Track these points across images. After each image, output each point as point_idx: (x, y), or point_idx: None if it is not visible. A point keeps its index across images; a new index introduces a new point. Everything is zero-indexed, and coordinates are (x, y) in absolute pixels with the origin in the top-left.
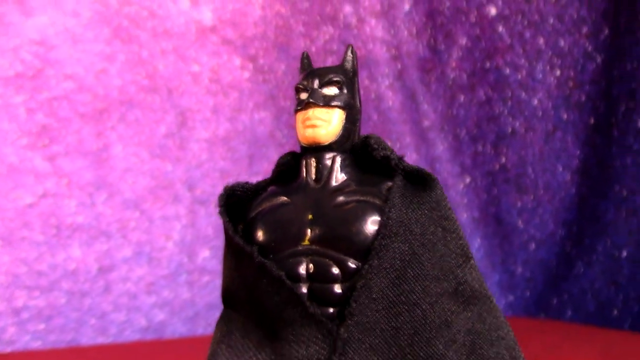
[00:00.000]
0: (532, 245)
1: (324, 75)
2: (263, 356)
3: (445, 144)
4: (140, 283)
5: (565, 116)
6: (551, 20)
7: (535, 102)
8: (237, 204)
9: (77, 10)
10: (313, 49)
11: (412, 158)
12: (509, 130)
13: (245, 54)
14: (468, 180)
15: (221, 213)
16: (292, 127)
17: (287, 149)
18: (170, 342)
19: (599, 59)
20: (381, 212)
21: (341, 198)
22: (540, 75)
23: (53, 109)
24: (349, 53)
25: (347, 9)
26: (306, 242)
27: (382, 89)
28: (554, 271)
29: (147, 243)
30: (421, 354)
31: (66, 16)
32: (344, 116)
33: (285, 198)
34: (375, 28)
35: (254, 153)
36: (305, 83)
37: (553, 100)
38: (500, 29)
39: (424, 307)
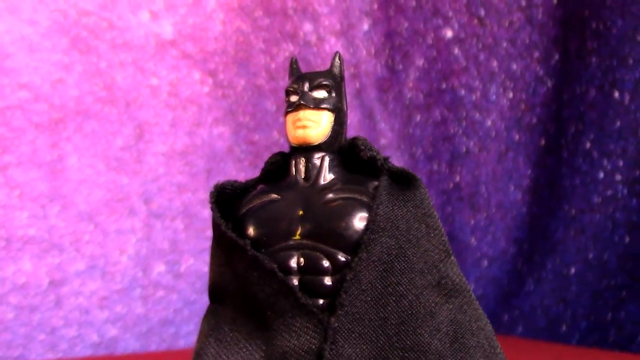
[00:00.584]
0: (485, 263)
1: (314, 79)
2: (254, 347)
3: (402, 162)
4: (92, 297)
5: (517, 137)
6: (504, 45)
7: (489, 123)
8: (225, 202)
9: (35, 18)
10: (273, 65)
11: None
12: (464, 150)
13: (205, 69)
14: None
15: (213, 209)
16: (251, 143)
17: (246, 164)
18: (122, 358)
19: (549, 83)
20: (369, 209)
21: (330, 195)
22: (494, 97)
23: (6, 119)
24: (337, 59)
25: (307, 27)
26: (297, 237)
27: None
28: (505, 288)
29: (100, 257)
30: (408, 342)
31: (23, 24)
32: (332, 118)
33: (275, 195)
34: (334, 47)
35: (212, 167)
36: (295, 86)
37: (506, 122)
38: (456, 51)
39: (410, 298)
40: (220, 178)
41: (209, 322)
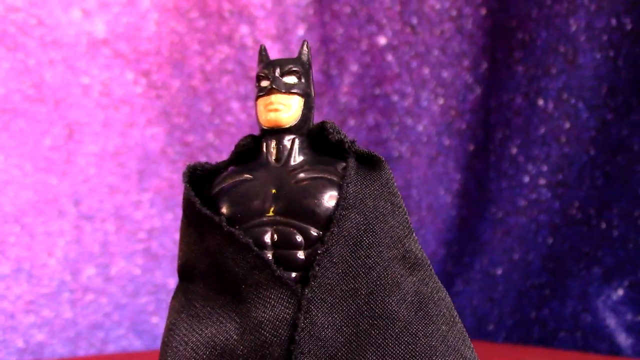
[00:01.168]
0: None
1: (284, 65)
2: (227, 319)
3: None
4: (18, 302)
5: (447, 142)
6: (435, 53)
7: (420, 128)
8: (196, 183)
9: None
10: (208, 67)
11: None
12: (396, 154)
13: (138, 69)
14: None
15: (187, 188)
16: (186, 145)
17: (180, 166)
18: None
19: (478, 90)
20: (339, 188)
21: (302, 175)
22: (425, 103)
23: None
24: (305, 47)
25: (244, 30)
26: (271, 214)
27: None
28: None
29: (27, 259)
30: (377, 310)
31: None
32: (302, 102)
33: (248, 175)
34: (270, 50)
35: (145, 169)
36: (266, 71)
37: (437, 127)
38: (389, 58)
39: (378, 270)
40: (153, 180)
41: (180, 299)
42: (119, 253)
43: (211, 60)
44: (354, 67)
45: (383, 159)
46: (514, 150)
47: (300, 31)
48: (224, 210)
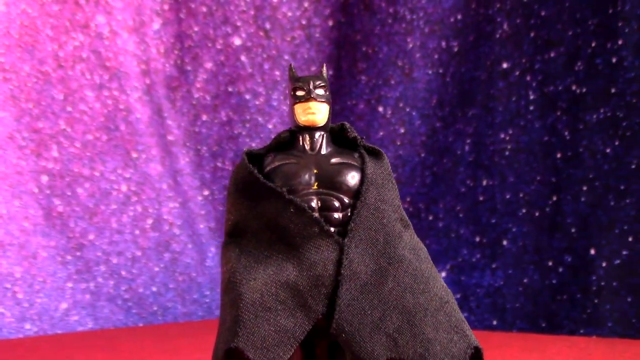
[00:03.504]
0: None
1: (315, 81)
2: (285, 261)
3: (187, 159)
4: None
5: None
6: (286, 57)
7: (271, 126)
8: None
9: None
10: (62, 54)
11: (157, 170)
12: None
13: None
14: (206, 193)
15: (249, 167)
16: (35, 131)
17: (28, 152)
18: None
19: None
20: (359, 170)
21: (333, 160)
22: (276, 103)
23: None
24: (324, 69)
25: (100, 19)
26: (315, 187)
27: (132, 101)
28: None
29: None
30: (390, 253)
31: None
32: (328, 108)
33: (293, 159)
34: (126, 42)
35: None
36: (301, 84)
37: (285, 126)
38: (243, 58)
39: (389, 226)
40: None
41: (234, 250)
42: None
43: (64, 47)
44: (209, 65)
45: (383, 152)
46: None
47: (156, 25)
48: (279, 183)
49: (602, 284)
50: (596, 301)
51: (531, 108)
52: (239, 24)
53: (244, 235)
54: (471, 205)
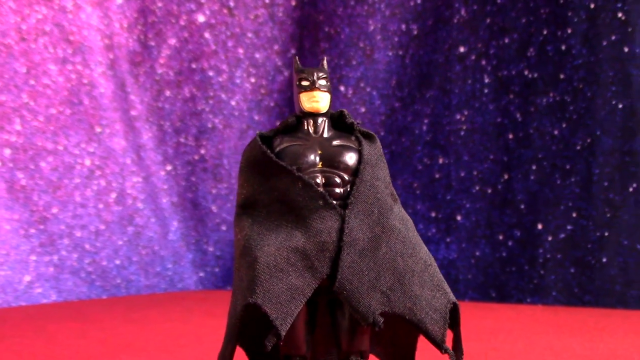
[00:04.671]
0: (224, 227)
1: (319, 72)
2: (293, 229)
3: (150, 134)
4: None
5: (257, 117)
6: (250, 35)
7: (233, 103)
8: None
9: None
10: (24, 26)
11: (120, 145)
12: (210, 125)
13: None
14: (169, 168)
15: (262, 147)
16: None
17: None
18: None
19: (286, 73)
20: (356, 151)
21: (334, 142)
22: (239, 81)
23: None
24: (324, 62)
25: None
26: (319, 166)
27: (95, 76)
28: None
29: None
30: (383, 222)
31: None
32: (329, 97)
33: (299, 141)
34: (90, 16)
35: None
36: (305, 75)
37: (248, 103)
38: (207, 35)
39: (382, 200)
40: None
41: (247, 220)
42: None
43: (27, 20)
44: (172, 41)
45: (376, 136)
46: None
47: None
48: (288, 162)
49: (548, 256)
50: (542, 272)
51: (486, 91)
52: (203, 1)
53: (256, 207)
54: (427, 183)
